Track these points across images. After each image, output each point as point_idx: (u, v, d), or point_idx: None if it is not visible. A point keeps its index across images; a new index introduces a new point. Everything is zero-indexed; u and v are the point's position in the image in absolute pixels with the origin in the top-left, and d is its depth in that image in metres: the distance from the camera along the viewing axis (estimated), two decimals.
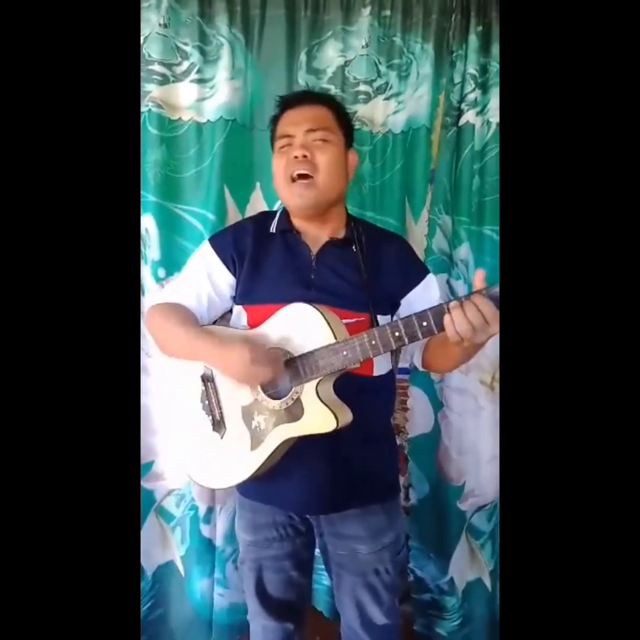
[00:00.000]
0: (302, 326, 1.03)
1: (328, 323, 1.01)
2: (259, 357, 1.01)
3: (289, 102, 1.20)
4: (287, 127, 1.16)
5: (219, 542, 1.66)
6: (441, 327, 0.93)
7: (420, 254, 1.63)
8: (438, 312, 0.93)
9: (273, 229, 1.20)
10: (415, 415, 1.68)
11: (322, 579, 1.73)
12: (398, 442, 1.74)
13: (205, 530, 1.64)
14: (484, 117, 1.55)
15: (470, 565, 1.72)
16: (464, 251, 1.58)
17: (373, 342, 0.98)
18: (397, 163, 1.59)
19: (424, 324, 0.94)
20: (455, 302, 0.91)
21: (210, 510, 1.64)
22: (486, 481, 1.66)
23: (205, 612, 1.69)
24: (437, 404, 1.67)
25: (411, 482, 1.71)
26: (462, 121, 1.56)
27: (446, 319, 0.92)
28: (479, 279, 0.94)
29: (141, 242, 1.52)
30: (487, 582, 1.73)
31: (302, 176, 1.12)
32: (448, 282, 1.61)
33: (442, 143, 1.58)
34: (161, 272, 1.53)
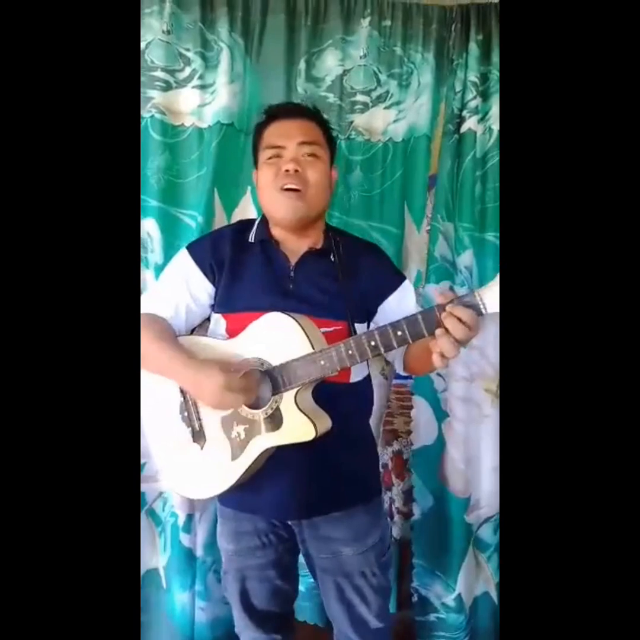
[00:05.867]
0: (279, 336, 1.03)
1: (305, 332, 1.01)
2: (232, 384, 1.00)
3: (278, 112, 1.20)
4: (276, 138, 1.16)
5: (199, 552, 1.62)
6: (415, 337, 0.94)
7: (422, 261, 1.64)
8: (412, 322, 0.94)
9: (252, 238, 1.20)
10: (419, 426, 1.65)
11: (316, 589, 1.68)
12: (397, 446, 1.72)
13: (185, 539, 1.60)
14: (485, 124, 1.56)
15: (477, 579, 1.69)
16: (467, 258, 1.58)
17: (350, 352, 0.98)
18: (397, 171, 1.59)
19: (399, 333, 0.94)
20: (440, 329, 0.91)
21: (189, 518, 1.59)
22: (491, 491, 1.63)
23: (186, 629, 1.63)
24: (441, 414, 1.64)
25: (414, 496, 1.68)
26: (463, 128, 1.57)
27: (434, 356, 0.93)
28: (441, 293, 0.94)
29: (144, 246, 1.51)
30: (494, 595, 1.69)
31: (291, 190, 1.12)
32: (451, 288, 1.60)
33: (444, 150, 1.59)
34: None
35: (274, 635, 1.29)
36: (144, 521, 1.60)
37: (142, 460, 1.55)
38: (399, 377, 1.64)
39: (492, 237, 1.59)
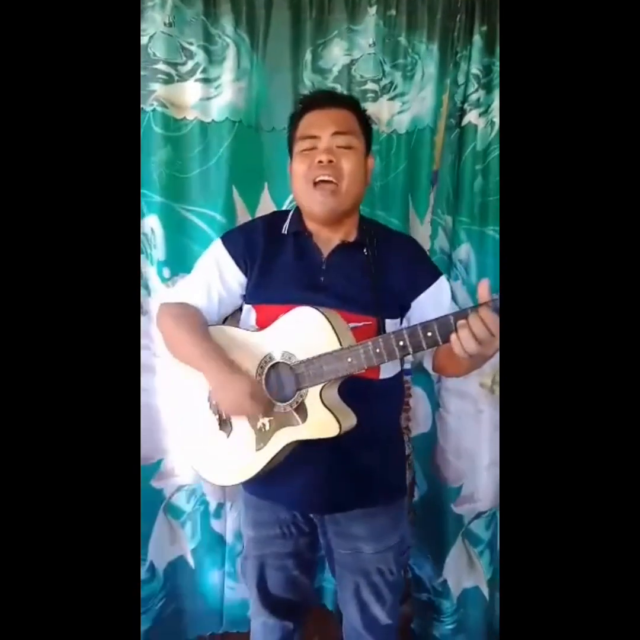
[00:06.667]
0: (307, 330, 1.03)
1: (334, 328, 1.01)
2: (257, 393, 1.03)
3: (312, 102, 1.18)
4: (310, 129, 1.14)
5: (229, 538, 1.67)
6: (446, 339, 0.92)
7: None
8: (443, 324, 0.92)
9: (285, 230, 1.20)
10: (417, 414, 1.68)
11: (331, 578, 1.72)
12: None
13: (215, 525, 1.65)
14: (487, 117, 1.54)
15: (468, 572, 1.70)
16: (463, 252, 1.57)
17: (377, 351, 0.97)
18: (401, 163, 1.58)
19: (429, 334, 0.93)
20: (463, 321, 0.90)
21: (220, 505, 1.65)
22: (485, 487, 1.64)
23: (216, 604, 1.70)
24: (435, 404, 1.66)
25: (416, 480, 1.71)
26: (464, 121, 1.55)
27: (453, 337, 0.91)
28: (483, 289, 0.91)
29: (147, 242, 1.52)
30: (485, 591, 1.70)
31: (325, 182, 1.11)
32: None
33: (446, 143, 1.57)
34: (166, 272, 1.53)
35: (286, 622, 1.31)
36: (162, 518, 1.64)
37: (159, 458, 1.60)
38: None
39: (491, 231, 1.57)
